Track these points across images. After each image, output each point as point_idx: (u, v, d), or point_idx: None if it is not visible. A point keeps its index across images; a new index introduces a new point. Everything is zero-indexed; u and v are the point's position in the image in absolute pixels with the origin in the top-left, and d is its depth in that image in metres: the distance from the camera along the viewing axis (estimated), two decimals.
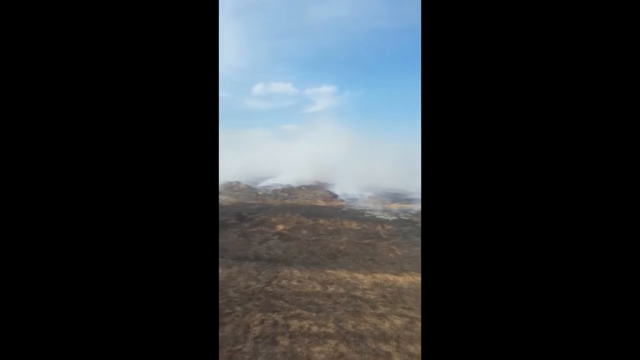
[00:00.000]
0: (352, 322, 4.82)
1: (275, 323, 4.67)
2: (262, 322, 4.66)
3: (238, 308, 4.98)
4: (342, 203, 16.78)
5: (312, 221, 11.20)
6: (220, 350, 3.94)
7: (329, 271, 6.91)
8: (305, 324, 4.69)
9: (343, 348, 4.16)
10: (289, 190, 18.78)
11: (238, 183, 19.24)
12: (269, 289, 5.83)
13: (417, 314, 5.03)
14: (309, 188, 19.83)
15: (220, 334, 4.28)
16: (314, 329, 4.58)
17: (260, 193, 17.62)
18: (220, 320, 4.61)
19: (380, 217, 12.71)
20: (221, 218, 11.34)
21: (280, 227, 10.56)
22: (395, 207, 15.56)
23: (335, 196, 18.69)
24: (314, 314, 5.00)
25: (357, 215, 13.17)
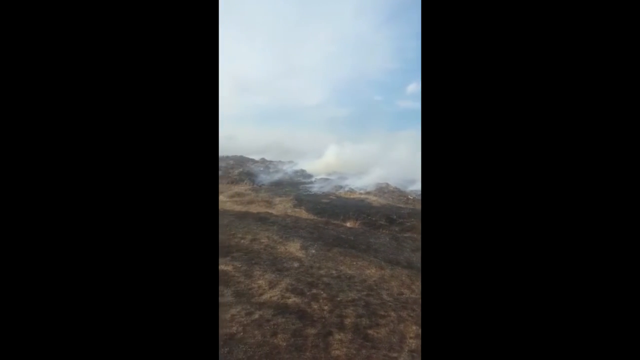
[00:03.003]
0: None
1: None
2: (418, 336, 4.36)
3: (392, 313, 4.90)
4: None
5: None
6: (375, 352, 3.98)
7: None
8: None
9: None
10: None
11: (387, 185, 19.36)
12: None
13: None
14: None
15: (375, 335, 4.34)
16: None
17: (411, 197, 16.98)
18: (376, 321, 4.67)
19: None
20: (371, 218, 11.72)
21: None
22: None
23: None
24: None
25: None
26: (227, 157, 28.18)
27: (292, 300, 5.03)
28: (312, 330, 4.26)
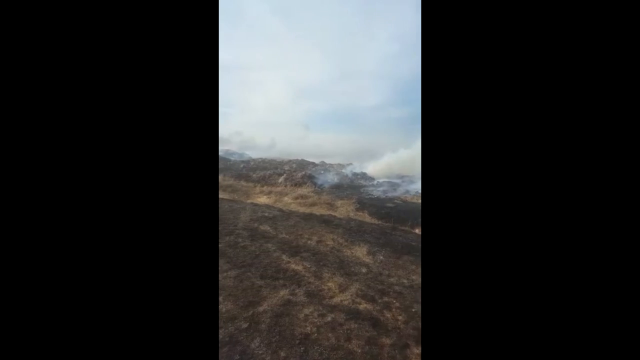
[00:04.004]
0: None
1: None
2: None
3: None
4: None
5: None
6: None
7: None
8: None
9: None
10: None
11: None
12: None
13: None
14: None
15: None
16: None
17: None
18: None
19: None
20: None
21: None
22: None
23: None
24: None
25: None
26: (290, 160, 29.53)
27: (364, 306, 4.89)
28: (387, 340, 4.06)
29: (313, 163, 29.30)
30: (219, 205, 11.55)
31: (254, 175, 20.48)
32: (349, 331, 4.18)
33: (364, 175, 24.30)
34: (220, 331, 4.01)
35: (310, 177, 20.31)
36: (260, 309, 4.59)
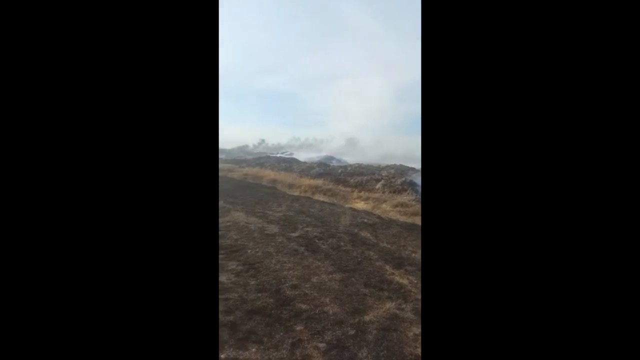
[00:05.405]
0: None
1: None
2: None
3: None
4: None
5: None
6: None
7: None
8: None
9: None
10: None
11: None
12: None
13: None
14: None
15: None
16: None
17: None
18: None
19: None
20: None
21: None
22: None
23: None
24: None
25: None
26: (388, 166, 28.78)
27: None
28: None
29: (413, 169, 27.69)
30: (321, 207, 12.22)
31: (351, 180, 20.84)
32: None
33: None
34: (328, 333, 4.15)
35: (411, 184, 19.20)
36: (367, 318, 4.54)
